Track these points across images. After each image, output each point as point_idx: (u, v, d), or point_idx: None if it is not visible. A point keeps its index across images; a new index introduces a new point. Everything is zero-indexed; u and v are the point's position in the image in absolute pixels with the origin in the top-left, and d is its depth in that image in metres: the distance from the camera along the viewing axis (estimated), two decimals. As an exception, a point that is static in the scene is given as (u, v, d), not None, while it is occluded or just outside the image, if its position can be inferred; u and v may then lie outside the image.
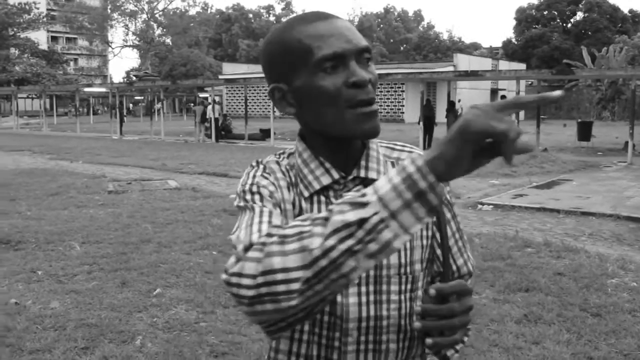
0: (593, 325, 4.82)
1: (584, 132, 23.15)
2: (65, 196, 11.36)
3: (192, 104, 44.55)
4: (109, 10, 75.79)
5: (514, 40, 73.76)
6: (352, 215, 0.93)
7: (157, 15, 77.31)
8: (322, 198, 1.27)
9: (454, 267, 1.41)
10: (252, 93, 52.27)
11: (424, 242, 1.33)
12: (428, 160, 0.92)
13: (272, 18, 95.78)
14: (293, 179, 1.28)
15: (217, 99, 33.10)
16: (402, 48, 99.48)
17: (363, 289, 1.26)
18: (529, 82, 47.32)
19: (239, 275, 0.98)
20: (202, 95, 41.73)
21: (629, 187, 12.56)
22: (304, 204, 1.26)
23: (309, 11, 1.31)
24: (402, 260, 1.28)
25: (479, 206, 10.42)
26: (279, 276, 0.95)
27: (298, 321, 1.03)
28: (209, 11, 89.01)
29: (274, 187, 1.22)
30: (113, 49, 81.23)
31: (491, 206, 10.40)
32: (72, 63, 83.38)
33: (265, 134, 27.36)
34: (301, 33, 1.21)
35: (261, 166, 1.27)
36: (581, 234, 8.37)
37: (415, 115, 29.59)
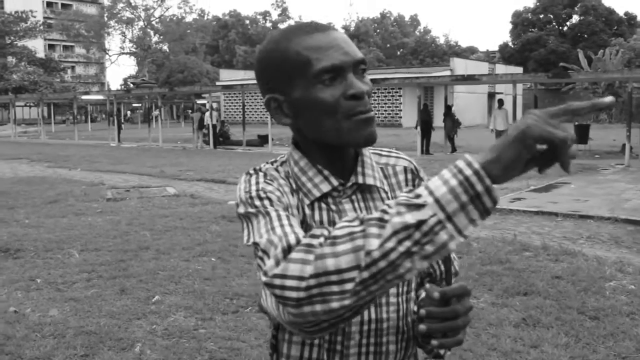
0: (591, 329, 4.84)
1: (581, 135, 23.17)
2: (64, 204, 11.37)
3: (189, 111, 44.61)
4: (105, 18, 75.79)
5: (510, 43, 73.94)
6: (411, 217, 0.95)
7: (153, 23, 77.34)
8: (323, 205, 1.29)
9: (443, 268, 1.44)
10: (250, 99, 52.31)
11: None
12: (484, 163, 0.94)
13: (268, 24, 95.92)
14: (294, 186, 1.29)
15: (214, 105, 33.13)
16: (398, 53, 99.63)
17: None
18: (527, 86, 47.42)
19: (283, 276, 1.00)
20: (199, 101, 41.80)
21: (626, 190, 12.59)
22: (307, 210, 1.28)
23: (305, 22, 1.33)
24: None
25: (477, 210, 10.43)
26: (333, 277, 0.97)
27: (342, 321, 1.05)
28: (205, 18, 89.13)
29: (280, 192, 1.23)
30: (110, 56, 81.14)
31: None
32: (69, 71, 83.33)
33: (263, 140, 27.39)
34: (299, 44, 1.22)
35: (261, 173, 1.27)
36: (579, 237, 8.39)
37: (412, 119, 29.62)
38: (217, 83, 50.35)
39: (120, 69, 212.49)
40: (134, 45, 76.53)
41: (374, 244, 0.96)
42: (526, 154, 0.93)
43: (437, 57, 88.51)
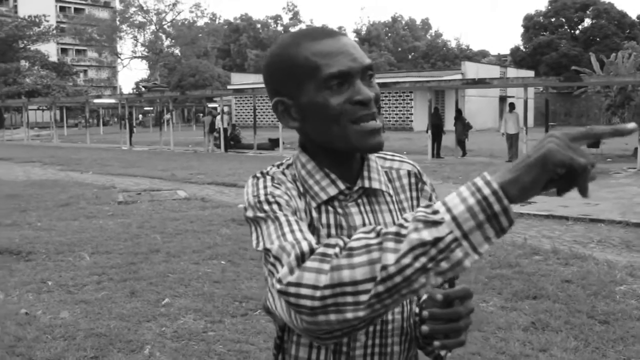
0: (601, 333, 4.82)
1: (593, 138, 23.08)
2: (76, 207, 11.44)
3: (201, 114, 44.75)
4: (117, 22, 76.31)
5: (522, 47, 73.68)
6: (428, 234, 0.96)
7: (165, 27, 77.74)
8: (330, 208, 1.30)
9: None
10: (261, 103, 52.42)
11: None
12: (503, 183, 0.95)
13: (280, 28, 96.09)
14: (301, 189, 1.31)
15: (225, 109, 33.24)
16: (410, 56, 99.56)
17: None
18: (539, 89, 47.26)
19: (298, 285, 1.01)
20: (211, 105, 41.92)
21: (638, 194, 12.53)
22: (314, 213, 1.29)
23: (315, 27, 1.35)
24: None
25: (487, 214, 10.41)
26: (348, 289, 0.99)
27: (356, 330, 1.07)
28: (217, 22, 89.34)
29: (288, 196, 1.24)
30: (122, 60, 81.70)
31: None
32: (81, 75, 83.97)
33: (274, 144, 27.44)
34: (308, 50, 1.23)
35: (268, 177, 1.28)
36: (590, 241, 8.36)
37: (423, 123, 29.62)
38: (229, 87, 50.61)
39: (132, 73, 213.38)
40: (146, 49, 76.96)
41: (390, 258, 0.97)
42: (545, 178, 0.95)
43: (448, 60, 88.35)
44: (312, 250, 1.06)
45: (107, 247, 7.95)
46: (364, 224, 1.30)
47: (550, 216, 10.01)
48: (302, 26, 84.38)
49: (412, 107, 46.99)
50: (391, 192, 1.37)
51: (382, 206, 1.34)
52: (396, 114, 47.78)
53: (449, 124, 28.71)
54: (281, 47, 1.29)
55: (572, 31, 71.61)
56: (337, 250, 1.02)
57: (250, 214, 1.22)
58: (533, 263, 6.93)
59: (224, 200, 12.51)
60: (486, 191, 0.95)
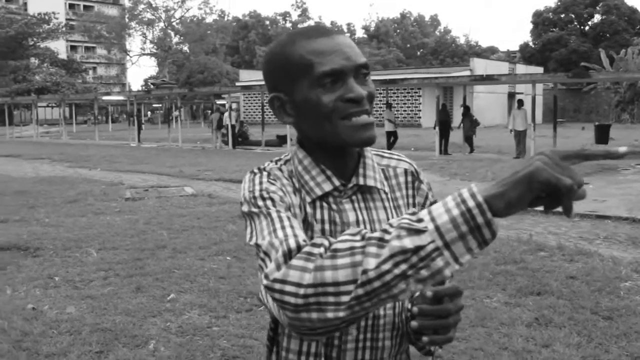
0: (604, 329, 4.82)
1: (602, 135, 23.04)
2: (83, 203, 11.51)
3: (209, 111, 44.81)
4: (126, 19, 76.51)
5: (531, 43, 73.37)
6: (409, 242, 0.98)
7: (174, 24, 77.87)
8: (324, 204, 1.32)
9: None
10: (270, 109, 52.47)
11: None
12: (488, 196, 0.97)
13: (288, 25, 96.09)
14: (296, 185, 1.33)
15: (234, 105, 33.28)
16: (418, 53, 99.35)
17: None
18: (548, 86, 47.06)
19: (283, 282, 1.04)
20: (219, 102, 41.97)
21: (646, 190, 12.47)
22: (308, 209, 1.31)
23: (312, 26, 1.38)
24: None
25: (494, 210, 10.39)
26: (330, 289, 1.01)
27: (338, 329, 1.09)
28: (225, 18, 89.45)
29: (283, 192, 1.26)
30: (131, 57, 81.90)
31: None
32: (90, 72, 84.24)
33: (282, 140, 27.47)
34: (303, 48, 1.26)
35: (265, 173, 1.31)
36: (596, 237, 8.35)
37: (432, 120, 29.55)
38: (237, 83, 50.62)
39: (141, 70, 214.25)
40: (155, 46, 77.12)
41: (371, 263, 0.99)
42: (531, 195, 0.95)
43: (457, 57, 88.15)
44: (299, 248, 1.08)
45: (114, 243, 8.00)
46: (357, 221, 1.32)
47: (557, 212, 9.95)
48: (311, 23, 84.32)
49: (420, 103, 46.94)
50: (387, 189, 1.39)
51: (376, 203, 1.36)
52: (404, 111, 47.73)
53: (457, 120, 28.65)
54: (278, 45, 1.32)
55: (582, 27, 71.24)
56: (322, 250, 1.04)
57: (245, 208, 1.26)
58: (538, 259, 6.92)
59: (231, 196, 12.54)
60: (471, 203, 0.97)
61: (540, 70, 54.28)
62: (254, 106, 56.02)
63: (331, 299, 1.01)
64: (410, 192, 1.43)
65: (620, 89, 34.94)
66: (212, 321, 5.14)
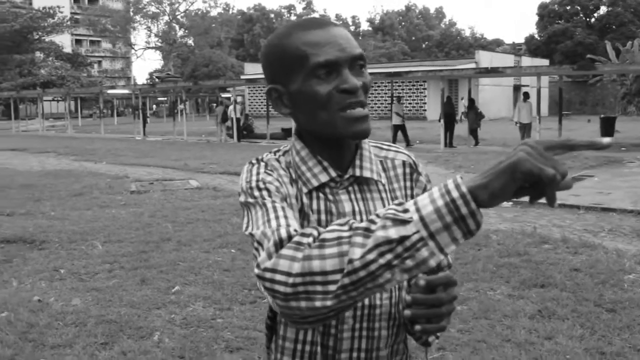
0: (607, 321, 4.83)
1: (607, 127, 22.97)
2: (89, 196, 11.55)
3: (214, 105, 44.85)
4: (131, 13, 76.54)
5: (536, 36, 73.13)
6: (394, 232, 0.99)
7: (178, 17, 77.89)
8: (321, 195, 1.34)
9: None
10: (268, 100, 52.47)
11: None
12: (473, 187, 0.98)
13: (293, 18, 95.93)
14: (293, 175, 1.35)
15: (239, 99, 33.29)
16: (423, 45, 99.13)
17: None
18: (554, 78, 46.87)
19: (273, 271, 1.05)
20: (224, 95, 41.97)
21: (651, 183, 12.44)
22: (305, 199, 1.33)
23: (308, 18, 1.39)
24: None
25: (498, 203, 10.38)
26: (318, 278, 1.02)
27: (328, 318, 1.10)
28: (230, 12, 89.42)
29: (279, 183, 1.28)
30: (136, 51, 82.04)
31: (510, 202, 10.37)
32: (96, 65, 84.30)
33: (287, 133, 27.45)
34: (299, 40, 1.28)
35: (262, 163, 1.33)
36: (601, 229, 8.34)
37: (437, 112, 29.49)
38: (242, 77, 50.62)
39: (145, 63, 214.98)
40: (160, 40, 77.19)
41: (357, 253, 1.00)
42: (514, 185, 0.96)
43: (462, 49, 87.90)
44: (290, 237, 1.09)
45: (119, 235, 8.03)
46: (353, 211, 1.33)
47: (561, 205, 9.97)
48: (316, 15, 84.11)
49: (425, 96, 46.84)
50: (384, 181, 1.40)
51: (373, 194, 1.37)
52: (409, 103, 47.67)
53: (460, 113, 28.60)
54: (276, 37, 1.34)
55: (588, 19, 70.94)
56: (310, 239, 1.05)
57: (242, 198, 1.28)
58: (542, 252, 6.93)
59: (236, 189, 12.54)
60: (455, 194, 0.98)
61: (545, 62, 54.10)
62: (259, 99, 56.01)
63: (319, 287, 1.02)
64: (408, 183, 1.43)
65: (627, 81, 34.76)
66: (217, 313, 5.16)
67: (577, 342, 4.43)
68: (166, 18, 77.35)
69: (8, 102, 47.56)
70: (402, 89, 46.67)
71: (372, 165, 1.38)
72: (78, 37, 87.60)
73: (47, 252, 7.33)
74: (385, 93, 45.62)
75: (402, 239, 0.99)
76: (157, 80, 56.76)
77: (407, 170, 1.44)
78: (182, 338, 4.62)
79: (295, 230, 1.11)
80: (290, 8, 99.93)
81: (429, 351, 1.49)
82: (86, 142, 28.47)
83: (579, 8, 70.53)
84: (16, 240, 7.93)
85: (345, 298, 1.03)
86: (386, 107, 43.57)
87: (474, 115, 22.78)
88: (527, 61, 53.47)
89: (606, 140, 0.98)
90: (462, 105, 31.48)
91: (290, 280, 1.03)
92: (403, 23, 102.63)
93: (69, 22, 71.14)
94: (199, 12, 78.18)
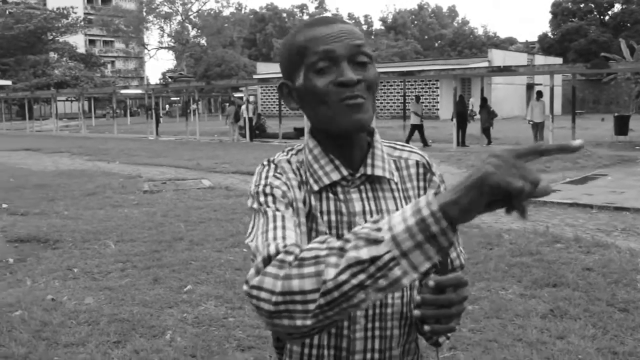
0: (620, 320, 4.80)
1: (621, 126, 22.78)
2: (102, 196, 11.63)
3: (227, 104, 44.94)
4: (144, 13, 76.81)
5: (550, 34, 72.68)
6: (366, 253, 0.99)
7: (191, 17, 78.08)
8: (331, 195, 1.34)
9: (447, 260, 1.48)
10: (279, 95, 52.50)
11: None
12: (442, 205, 0.97)
13: (305, 17, 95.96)
14: (303, 177, 1.36)
15: (251, 98, 33.35)
16: (436, 44, 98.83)
17: None
18: (568, 77, 46.56)
19: (259, 288, 1.06)
20: (237, 95, 42.05)
21: (665, 182, 12.34)
22: (313, 201, 1.34)
23: (319, 17, 1.42)
24: None
25: (511, 202, 10.34)
26: (298, 297, 1.02)
27: (310, 335, 1.10)
28: (242, 11, 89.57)
29: (287, 187, 1.30)
30: (149, 50, 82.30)
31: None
32: (109, 65, 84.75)
33: (299, 133, 27.47)
34: (303, 36, 1.31)
35: (272, 165, 1.35)
36: (614, 229, 8.29)
37: (450, 112, 29.40)
38: (254, 76, 50.63)
39: (158, 63, 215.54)
40: (172, 40, 77.42)
41: (330, 273, 1.00)
42: (483, 200, 0.95)
43: (475, 48, 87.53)
44: (277, 254, 1.09)
45: (132, 235, 8.08)
46: (363, 211, 1.34)
47: (574, 204, 9.93)
48: (328, 15, 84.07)
49: (438, 95, 46.69)
50: (397, 180, 1.40)
51: (385, 193, 1.38)
52: (422, 103, 47.51)
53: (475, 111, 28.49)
54: (289, 35, 1.38)
55: (602, 17, 70.42)
56: (292, 258, 1.06)
57: (249, 203, 1.30)
58: (554, 251, 6.90)
59: (248, 189, 12.57)
60: (425, 212, 0.97)
61: (559, 61, 53.78)
62: (272, 99, 56.07)
63: (299, 307, 1.02)
64: (421, 183, 1.44)
65: (641, 80, 34.49)
66: (228, 312, 5.18)
67: (589, 342, 4.41)
68: (179, 18, 77.61)
69: (22, 103, 47.91)
70: (415, 88, 46.57)
71: (384, 163, 1.38)
72: (91, 38, 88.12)
73: (60, 251, 7.39)
74: (398, 92, 45.53)
75: (374, 259, 0.98)
76: (170, 80, 56.92)
77: (421, 170, 1.44)
78: (194, 337, 4.65)
79: (285, 247, 1.11)
80: (302, 7, 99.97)
81: (440, 351, 1.49)
82: (99, 142, 28.63)
83: (592, 6, 70.02)
84: (30, 240, 8.00)
85: (322, 318, 1.03)
86: (398, 106, 43.52)
87: (487, 114, 22.69)
88: (540, 59, 53.15)
89: (577, 142, 0.96)
90: (470, 104, 31.27)
91: (274, 298, 1.03)
92: (415, 22, 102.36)
93: (82, 23, 71.56)
94: (212, 12, 78.32)
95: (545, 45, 70.84)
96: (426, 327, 1.24)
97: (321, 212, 1.33)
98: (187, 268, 6.49)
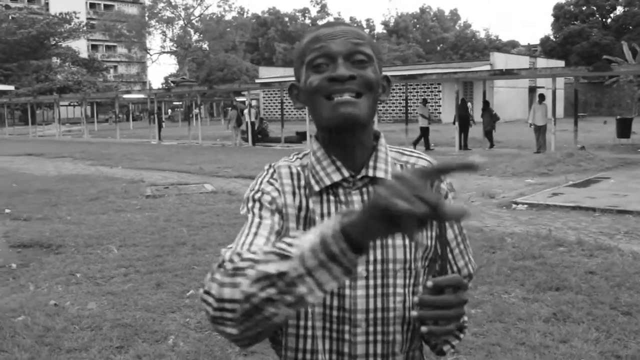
0: (623, 324, 4.80)
1: (624, 128, 22.75)
2: (105, 201, 11.64)
3: (229, 108, 45.01)
4: (146, 18, 76.97)
5: (552, 37, 72.66)
6: (273, 268, 1.01)
7: (193, 21, 78.22)
8: (332, 197, 1.35)
9: (455, 268, 1.49)
10: (289, 96, 52.53)
11: (428, 242, 1.40)
12: (344, 225, 0.97)
13: (307, 21, 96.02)
14: (302, 182, 1.37)
15: (253, 102, 33.37)
16: (438, 48, 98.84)
17: (371, 282, 1.34)
18: (570, 80, 46.53)
19: (207, 293, 1.08)
20: (239, 99, 42.08)
21: (668, 185, 12.32)
22: (311, 205, 1.34)
23: (328, 21, 1.46)
24: (408, 257, 1.36)
25: (513, 205, 10.36)
26: (227, 305, 1.04)
27: (251, 343, 1.12)
28: (245, 16, 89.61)
29: (278, 192, 1.33)
30: (151, 55, 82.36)
31: (525, 205, 10.33)
32: (111, 70, 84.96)
33: (301, 137, 27.50)
34: (307, 37, 1.36)
35: (271, 170, 1.39)
36: (616, 232, 8.27)
37: (452, 115, 29.38)
38: (257, 80, 50.72)
39: (161, 68, 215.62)
40: (175, 44, 77.53)
41: (244, 285, 1.02)
42: (380, 222, 0.93)
43: (477, 51, 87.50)
44: (230, 260, 1.10)
45: (135, 240, 8.09)
46: None
47: (577, 207, 9.92)
48: (330, 19, 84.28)
49: (440, 99, 46.70)
50: None
51: None
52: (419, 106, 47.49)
53: (477, 115, 28.51)
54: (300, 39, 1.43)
55: (604, 20, 70.39)
56: (231, 266, 1.07)
57: (240, 207, 1.37)
58: (557, 254, 6.89)
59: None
60: (328, 232, 0.97)
61: (561, 63, 53.75)
62: (274, 103, 56.09)
63: (228, 314, 1.04)
64: None
65: (644, 82, 34.44)
66: (231, 317, 5.17)
67: (593, 346, 4.40)
68: (181, 23, 77.72)
69: (25, 108, 47.96)
70: (417, 92, 46.57)
71: (386, 166, 1.38)
72: (94, 42, 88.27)
73: (63, 256, 7.39)
74: (400, 96, 45.53)
75: (281, 275, 1.00)
76: (172, 84, 57.01)
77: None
78: (196, 342, 4.65)
79: (239, 253, 1.11)
80: (304, 11, 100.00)
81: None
82: (102, 146, 28.67)
83: (594, 8, 69.99)
84: (33, 245, 8.01)
85: (243, 328, 1.05)
86: (400, 109, 43.49)
87: (489, 117, 22.68)
88: (542, 63, 53.16)
89: (477, 160, 0.93)
90: (470, 108, 31.32)
91: (215, 304, 1.05)
92: (417, 25, 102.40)
93: (85, 28, 71.67)
94: (214, 17, 78.44)
95: (547, 48, 70.81)
96: (423, 329, 1.22)
97: (322, 215, 1.34)
98: (190, 273, 6.49)
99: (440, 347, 1.43)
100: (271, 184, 1.34)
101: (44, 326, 4.97)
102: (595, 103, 53.29)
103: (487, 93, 25.99)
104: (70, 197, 12.16)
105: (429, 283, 1.22)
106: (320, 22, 76.53)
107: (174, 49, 78.02)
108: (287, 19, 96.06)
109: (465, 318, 1.42)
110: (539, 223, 8.90)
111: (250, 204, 1.31)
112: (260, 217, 1.27)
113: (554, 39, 71.57)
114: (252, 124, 27.75)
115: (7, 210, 10.62)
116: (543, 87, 42.92)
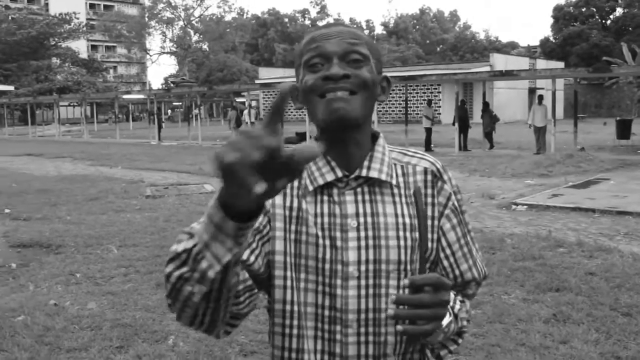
0: (623, 325, 4.80)
1: (623, 130, 22.77)
2: (104, 201, 11.64)
3: (229, 109, 45.00)
4: (146, 18, 76.95)
5: (551, 38, 72.68)
6: (182, 246, 1.06)
7: (193, 22, 78.20)
8: (325, 197, 1.34)
9: (457, 272, 1.44)
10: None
11: (430, 244, 1.39)
12: (220, 195, 0.96)
13: (307, 22, 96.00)
14: (296, 182, 1.36)
15: (253, 103, 33.37)
16: (438, 49, 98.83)
17: (362, 282, 1.32)
18: (570, 81, 46.56)
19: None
20: (239, 99, 42.08)
21: (668, 186, 12.32)
22: (303, 205, 1.34)
23: (328, 22, 1.47)
24: (402, 258, 1.34)
25: (513, 206, 10.36)
26: (168, 286, 1.12)
27: (208, 331, 1.16)
28: (244, 16, 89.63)
29: None
30: (151, 56, 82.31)
31: (525, 206, 10.33)
32: (111, 71, 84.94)
33: (301, 137, 27.48)
34: (306, 38, 1.37)
35: None
36: (616, 233, 8.28)
37: (452, 116, 29.40)
38: (256, 81, 50.68)
39: (161, 69, 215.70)
40: (175, 45, 77.50)
41: (166, 267, 1.10)
42: (227, 182, 0.89)
43: (477, 52, 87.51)
44: None
45: (134, 240, 8.09)
46: (357, 213, 1.33)
47: (577, 209, 9.92)
48: (330, 20, 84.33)
49: (440, 100, 46.70)
50: (401, 185, 1.38)
51: (385, 197, 1.36)
52: (424, 107, 47.50)
53: (477, 116, 28.53)
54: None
55: (603, 21, 70.41)
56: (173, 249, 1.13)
57: None
58: (557, 255, 6.89)
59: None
60: (210, 203, 0.99)
61: (561, 65, 53.74)
62: (273, 104, 55.97)
63: (167, 299, 1.14)
64: (429, 191, 1.39)
65: (643, 84, 34.45)
66: (231, 317, 5.17)
67: (593, 347, 4.41)
68: (181, 23, 77.69)
69: (25, 108, 47.95)
70: (417, 93, 46.58)
71: (382, 166, 1.36)
72: (94, 43, 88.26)
73: (63, 256, 7.39)
74: (400, 97, 45.53)
75: (187, 252, 1.04)
76: (172, 85, 56.99)
77: (429, 177, 1.40)
78: (196, 342, 4.65)
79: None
80: (304, 12, 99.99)
81: None
82: (102, 147, 28.66)
83: (594, 10, 70.01)
84: (33, 245, 8.01)
85: (176, 310, 1.13)
86: (400, 110, 43.49)
87: (489, 118, 22.68)
88: (542, 64, 53.15)
89: (283, 86, 0.90)
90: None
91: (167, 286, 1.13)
92: (417, 26, 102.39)
93: (84, 28, 71.64)
94: (214, 17, 78.44)
95: (547, 50, 70.83)
96: (398, 327, 1.19)
97: (315, 215, 1.33)
98: (190, 273, 6.48)
99: (438, 352, 1.41)
100: None
101: (43, 326, 4.97)
102: (595, 104, 53.32)
103: (487, 94, 26.00)
104: (70, 197, 12.16)
105: (406, 281, 1.18)
106: (320, 23, 76.57)
107: (174, 49, 78.00)
108: (286, 19, 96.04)
109: (466, 323, 1.41)
110: (538, 224, 8.90)
111: None
112: None
113: (554, 40, 71.59)
114: (252, 124, 27.74)
115: (6, 210, 10.62)
116: (543, 89, 42.92)
